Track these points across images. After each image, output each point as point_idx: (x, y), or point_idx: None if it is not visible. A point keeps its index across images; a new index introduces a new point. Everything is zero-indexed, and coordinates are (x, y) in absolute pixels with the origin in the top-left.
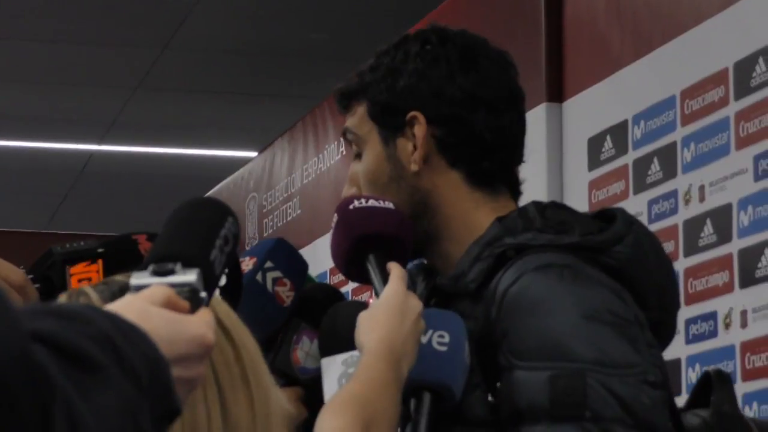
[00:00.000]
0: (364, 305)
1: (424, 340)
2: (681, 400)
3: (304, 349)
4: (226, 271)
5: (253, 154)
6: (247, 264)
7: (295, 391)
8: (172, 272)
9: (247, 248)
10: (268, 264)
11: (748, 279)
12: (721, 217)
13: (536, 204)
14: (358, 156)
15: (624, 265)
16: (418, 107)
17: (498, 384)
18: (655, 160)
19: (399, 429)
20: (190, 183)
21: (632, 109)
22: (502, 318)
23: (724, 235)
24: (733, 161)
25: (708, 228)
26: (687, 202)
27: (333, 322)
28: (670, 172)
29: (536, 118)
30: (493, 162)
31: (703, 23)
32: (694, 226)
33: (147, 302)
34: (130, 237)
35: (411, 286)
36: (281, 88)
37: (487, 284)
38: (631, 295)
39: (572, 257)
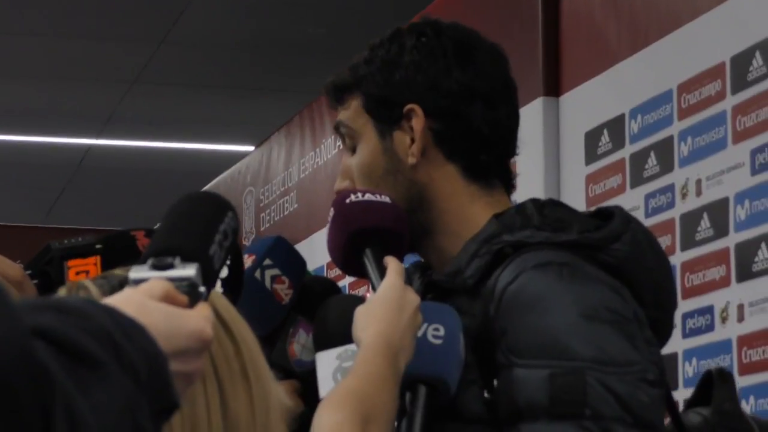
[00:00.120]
0: (359, 299)
1: (419, 333)
2: (677, 395)
3: (300, 341)
4: (228, 263)
5: (250, 148)
6: (245, 262)
7: (292, 383)
8: (171, 266)
9: (245, 243)
10: (267, 262)
11: (745, 273)
12: (718, 211)
13: (534, 201)
14: (352, 149)
15: (621, 263)
16: (415, 100)
17: (495, 381)
18: (652, 154)
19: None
20: (187, 177)
21: (629, 103)
22: (501, 316)
23: (720, 229)
24: (729, 155)
25: (705, 222)
26: (684, 196)
27: (327, 317)
28: (666, 166)
29: (533, 113)
30: (490, 155)
31: (699, 17)
32: (690, 220)
33: (146, 296)
34: (128, 233)
35: (408, 281)
36: (278, 82)
37: (484, 281)
38: (629, 293)
39: (570, 255)
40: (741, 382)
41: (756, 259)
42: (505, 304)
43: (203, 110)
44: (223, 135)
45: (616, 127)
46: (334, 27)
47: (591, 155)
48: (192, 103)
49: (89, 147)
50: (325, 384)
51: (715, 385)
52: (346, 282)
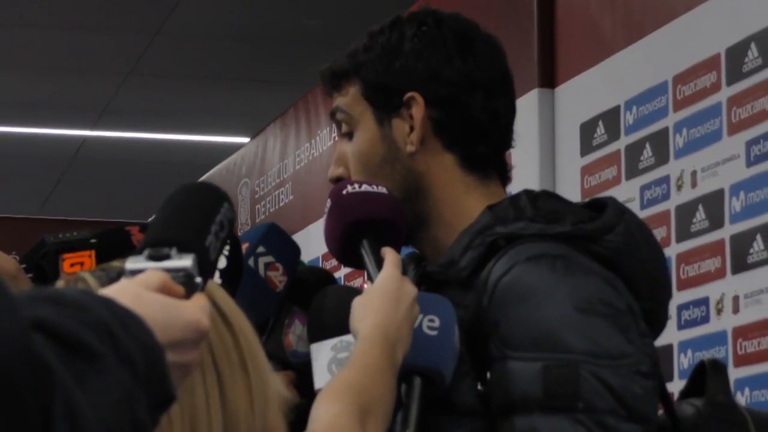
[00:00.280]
0: (353, 290)
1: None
2: (672, 386)
3: (296, 332)
4: (227, 254)
5: (246, 139)
6: None
7: (288, 375)
8: (167, 257)
9: (240, 234)
10: (260, 249)
11: (740, 265)
12: (713, 202)
13: (528, 193)
14: (347, 136)
15: (615, 254)
16: (416, 88)
17: (488, 373)
18: (647, 145)
19: None
20: (182, 168)
21: (624, 95)
22: (494, 308)
23: (716, 221)
24: (725, 147)
25: (700, 213)
26: (679, 187)
27: (322, 307)
28: (662, 158)
29: (528, 104)
30: (488, 146)
31: (695, 9)
32: (686, 211)
33: (142, 287)
34: (122, 228)
35: (403, 272)
36: (274, 73)
37: (478, 273)
38: (623, 285)
39: (564, 247)
40: (736, 373)
41: (751, 250)
42: (499, 297)
43: (198, 102)
44: (218, 126)
45: (611, 118)
46: (329, 18)
47: (586, 147)
48: (187, 94)
49: (84, 138)
50: (320, 375)
51: (708, 376)
52: (341, 273)
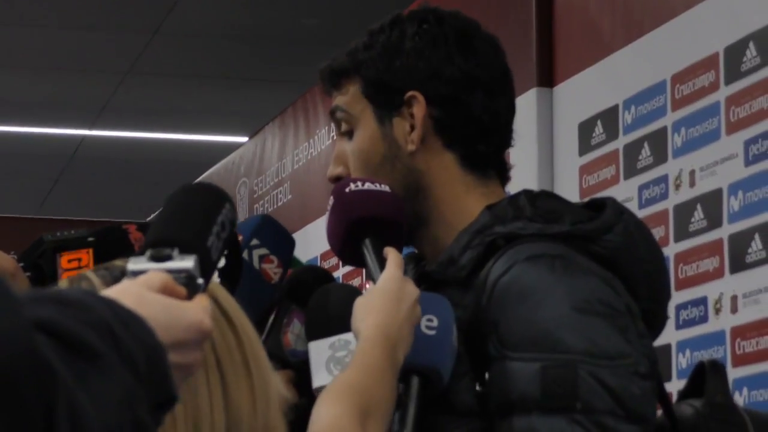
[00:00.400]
0: (350, 288)
1: None
2: (671, 386)
3: (294, 331)
4: (225, 253)
5: (244, 139)
6: None
7: (287, 374)
8: (169, 258)
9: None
10: (254, 241)
11: (739, 264)
12: (712, 202)
13: (527, 193)
14: (347, 135)
15: (614, 254)
16: (417, 87)
17: (486, 373)
18: (646, 145)
19: None
20: (180, 168)
21: (623, 94)
22: (493, 308)
23: (714, 221)
24: (723, 146)
25: (698, 213)
26: (677, 187)
27: (318, 306)
28: (660, 157)
29: (527, 103)
30: (488, 145)
31: (693, 8)
32: (684, 211)
33: (144, 288)
34: (120, 227)
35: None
36: (272, 73)
37: (477, 272)
38: (622, 285)
39: (563, 247)
40: (734, 373)
41: (749, 250)
42: (497, 297)
43: (197, 101)
44: (216, 126)
45: (609, 117)
46: (328, 18)
47: (585, 146)
48: (185, 93)
49: (83, 138)
50: (318, 374)
51: (707, 377)
52: (340, 273)
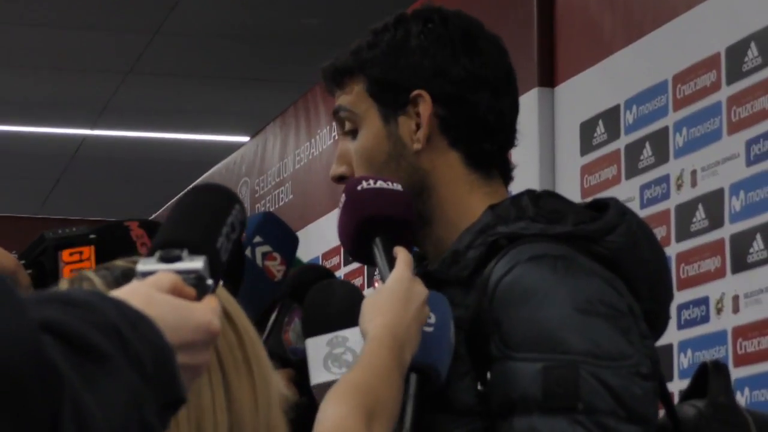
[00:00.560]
0: (348, 285)
1: None
2: (672, 386)
3: (295, 330)
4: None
5: (245, 139)
6: None
7: (287, 372)
8: (178, 259)
9: None
10: (257, 239)
11: (740, 264)
12: (713, 202)
13: (529, 193)
14: (350, 134)
15: (616, 255)
16: (422, 85)
17: (488, 373)
18: (647, 145)
19: None
20: (182, 168)
21: (624, 94)
22: (495, 308)
23: (716, 220)
24: (725, 146)
25: (700, 213)
26: (679, 187)
27: (315, 303)
28: (662, 157)
29: (528, 103)
30: (493, 144)
31: (694, 8)
32: (686, 211)
33: (153, 288)
34: (121, 224)
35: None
36: (273, 73)
37: (479, 272)
38: (624, 285)
39: (566, 247)
40: (736, 373)
41: (751, 250)
42: (499, 297)
43: (198, 101)
44: (218, 126)
45: (611, 117)
46: (328, 17)
47: (586, 146)
48: (187, 93)
49: (84, 137)
50: (315, 371)
51: (710, 378)
52: (341, 272)
